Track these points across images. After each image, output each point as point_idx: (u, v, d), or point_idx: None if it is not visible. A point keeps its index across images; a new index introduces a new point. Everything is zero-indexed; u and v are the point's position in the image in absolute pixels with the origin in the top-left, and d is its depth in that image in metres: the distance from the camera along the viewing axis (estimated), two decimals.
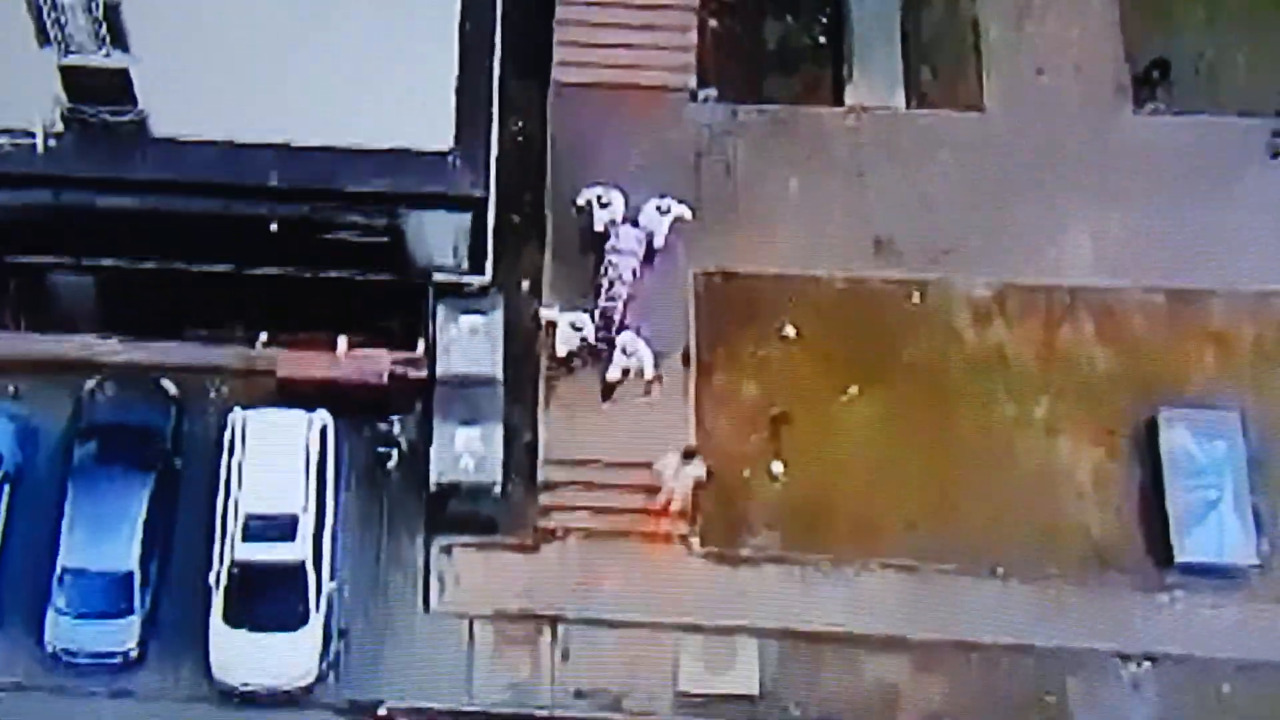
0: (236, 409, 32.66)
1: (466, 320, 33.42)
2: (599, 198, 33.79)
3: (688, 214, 33.88)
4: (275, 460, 31.89)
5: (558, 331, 32.87)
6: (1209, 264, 34.64)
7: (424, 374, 33.35)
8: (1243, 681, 32.09)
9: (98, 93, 30.95)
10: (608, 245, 33.36)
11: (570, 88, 35.78)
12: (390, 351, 33.37)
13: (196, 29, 29.80)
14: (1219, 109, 35.90)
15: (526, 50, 35.52)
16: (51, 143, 31.33)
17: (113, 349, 33.58)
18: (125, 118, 31.26)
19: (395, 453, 33.32)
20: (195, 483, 32.50)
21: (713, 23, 36.83)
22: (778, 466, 33.22)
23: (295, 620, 31.31)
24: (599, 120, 35.43)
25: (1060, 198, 35.15)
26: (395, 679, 31.91)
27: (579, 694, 31.95)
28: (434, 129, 31.70)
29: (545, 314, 33.21)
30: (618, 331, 32.96)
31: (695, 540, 32.77)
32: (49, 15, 29.57)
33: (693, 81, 36.10)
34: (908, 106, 36.15)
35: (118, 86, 30.86)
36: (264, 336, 33.89)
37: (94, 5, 29.43)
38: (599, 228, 33.80)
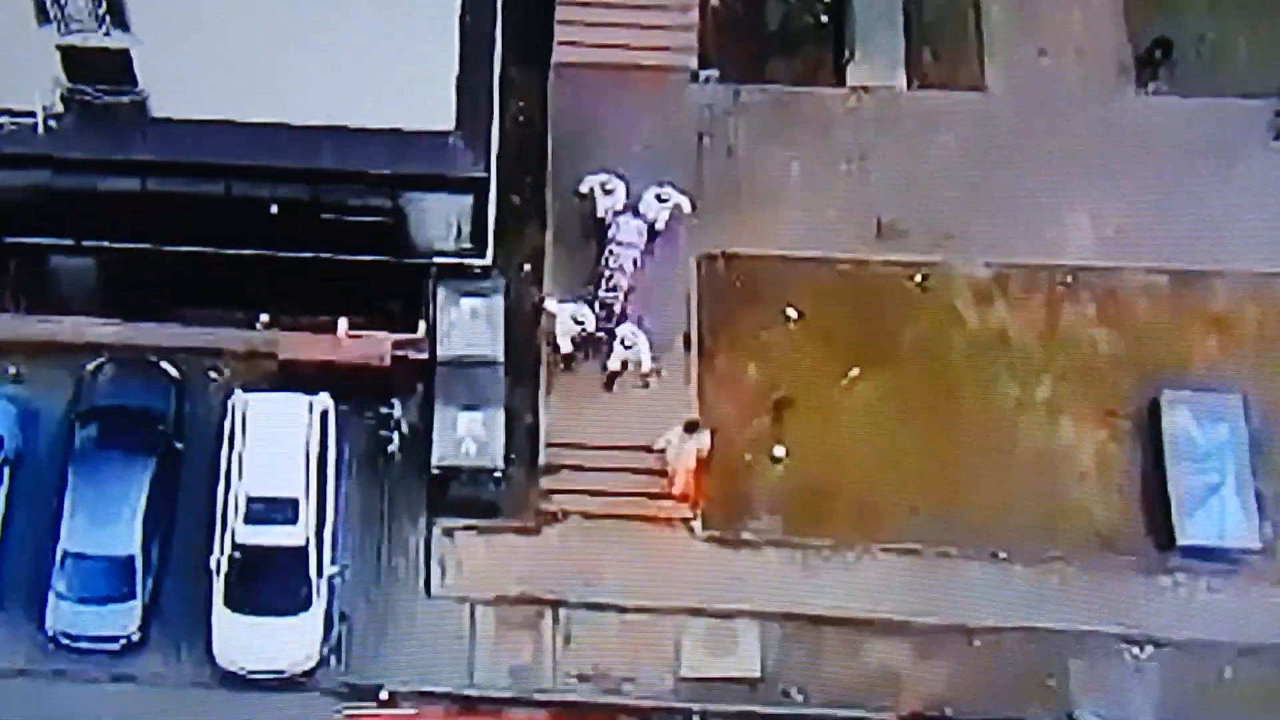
0: (237, 392, 32.37)
1: (468, 303, 33.14)
2: (602, 185, 33.46)
3: (686, 205, 33.64)
4: (276, 443, 31.59)
5: (559, 323, 32.59)
6: (1211, 245, 34.33)
7: (425, 356, 33.07)
8: (1244, 665, 31.87)
9: (97, 73, 30.68)
10: (609, 236, 33.07)
11: (571, 68, 35.41)
12: (391, 334, 33.10)
13: (196, 9, 29.51)
14: (1221, 90, 35.56)
15: (527, 31, 35.20)
16: (51, 123, 31.08)
17: (113, 331, 33.26)
18: (125, 98, 31.00)
19: (396, 436, 33.06)
20: (196, 466, 32.23)
21: (714, 2, 36.49)
22: (780, 450, 32.96)
23: (297, 604, 31.06)
24: (600, 102, 35.08)
25: (1062, 178, 34.84)
26: (397, 663, 31.67)
27: (581, 678, 31.72)
28: (435, 109, 31.44)
29: (548, 306, 32.91)
30: (618, 323, 32.70)
31: (697, 524, 32.53)
32: None
33: (694, 62, 35.75)
34: (909, 87, 35.82)
35: (118, 66, 30.58)
36: (265, 318, 33.60)
37: None
38: (600, 215, 33.45)
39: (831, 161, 35.14)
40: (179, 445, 32.39)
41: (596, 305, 32.69)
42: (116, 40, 29.95)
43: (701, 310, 33.88)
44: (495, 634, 31.87)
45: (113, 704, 31.21)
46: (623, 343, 32.31)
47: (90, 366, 32.78)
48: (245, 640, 31.00)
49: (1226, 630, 32.00)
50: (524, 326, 33.46)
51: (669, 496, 32.30)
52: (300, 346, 32.78)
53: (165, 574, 31.64)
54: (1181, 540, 32.14)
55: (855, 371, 33.54)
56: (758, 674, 31.79)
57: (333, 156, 31.48)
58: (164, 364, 32.97)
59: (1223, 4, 36.34)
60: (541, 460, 32.79)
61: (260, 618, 30.95)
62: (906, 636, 31.96)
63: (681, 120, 35.24)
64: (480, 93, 32.28)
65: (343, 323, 32.85)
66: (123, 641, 31.19)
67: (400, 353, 33.03)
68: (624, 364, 32.58)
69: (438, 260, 33.41)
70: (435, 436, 32.03)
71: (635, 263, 32.92)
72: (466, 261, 33.46)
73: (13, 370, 33.18)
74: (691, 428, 31.87)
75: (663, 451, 32.12)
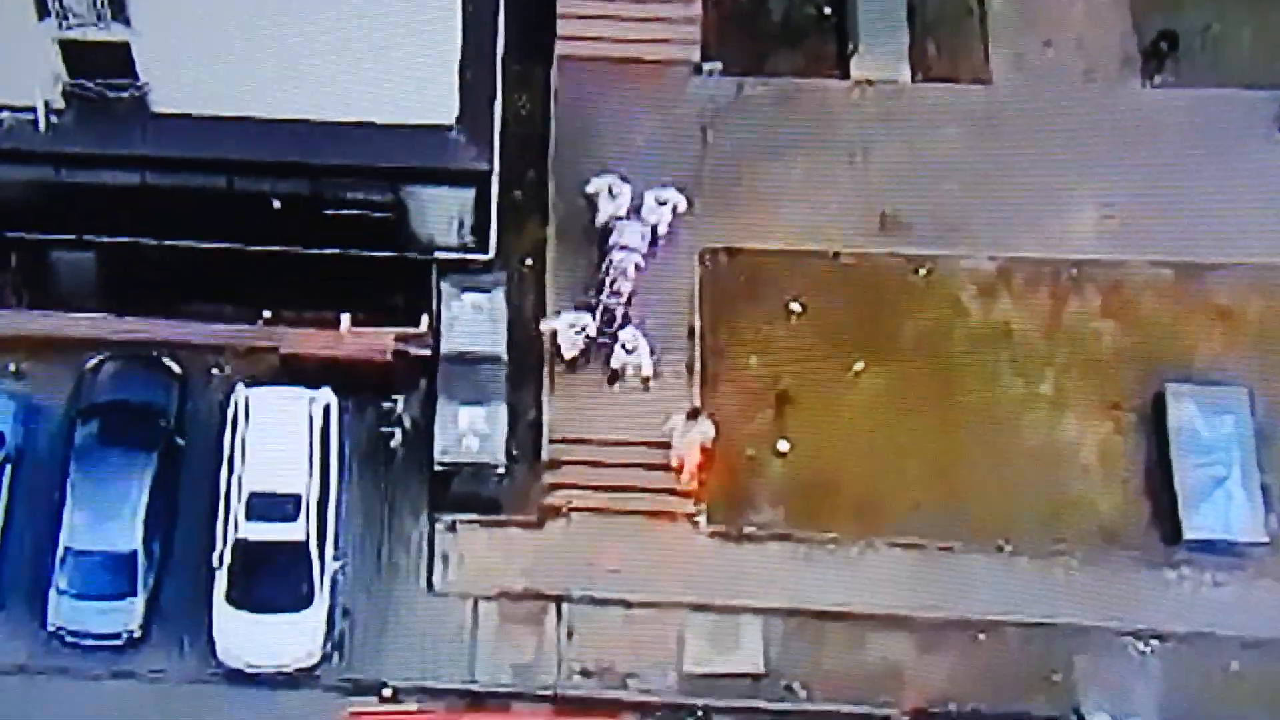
0: (239, 387, 32.05)
1: (470, 297, 32.83)
2: (609, 188, 33.15)
3: (683, 203, 33.33)
4: (278, 438, 31.28)
5: (560, 334, 32.38)
6: (1216, 237, 33.96)
7: (427, 351, 32.74)
8: (1251, 658, 31.49)
9: (98, 67, 30.39)
10: (611, 240, 32.76)
11: (573, 62, 35.10)
12: (394, 329, 32.77)
13: (198, 2, 29.12)
14: (1226, 81, 35.16)
15: (529, 25, 34.92)
16: (52, 118, 30.78)
17: (114, 327, 32.94)
18: (126, 93, 30.67)
19: (399, 431, 32.73)
20: (198, 461, 31.91)
21: None
22: (783, 444, 32.60)
23: (299, 600, 30.74)
24: (602, 95, 34.77)
25: (1067, 171, 34.45)
26: (399, 659, 31.35)
27: (584, 673, 31.39)
28: (437, 103, 31.13)
29: (546, 326, 32.65)
30: (620, 326, 32.46)
31: (700, 518, 32.20)
32: None
33: (697, 55, 35.43)
34: (913, 80, 35.47)
35: (118, 60, 30.29)
36: (267, 314, 33.25)
37: None
38: (603, 219, 33.17)
39: (835, 155, 34.77)
40: (180, 441, 32.08)
41: (599, 310, 32.42)
42: (117, 33, 29.65)
43: (704, 304, 33.55)
44: (498, 629, 31.56)
45: (114, 700, 30.91)
46: (624, 347, 32.16)
47: (91, 362, 32.49)
48: (247, 636, 30.68)
49: (1233, 624, 31.63)
50: (526, 321, 33.11)
51: (675, 489, 31.99)
52: (302, 341, 32.51)
53: (167, 570, 31.35)
54: (1187, 534, 31.75)
55: (859, 365, 33.17)
56: (761, 669, 31.44)
57: (335, 151, 31.19)
58: (165, 360, 32.67)
59: None
60: (544, 455, 32.46)
61: (262, 614, 30.64)
62: (910, 631, 31.62)
63: (684, 114, 34.90)
64: (482, 87, 32.04)
65: (345, 318, 32.59)
66: (124, 638, 30.86)
67: (402, 348, 32.74)
68: (625, 367, 32.32)
69: (440, 255, 33.09)
70: (437, 431, 31.70)
71: (637, 267, 32.60)
72: (469, 256, 33.14)
73: (13, 366, 32.88)
74: (694, 414, 31.68)
75: (669, 438, 31.80)
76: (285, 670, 30.81)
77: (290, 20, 29.46)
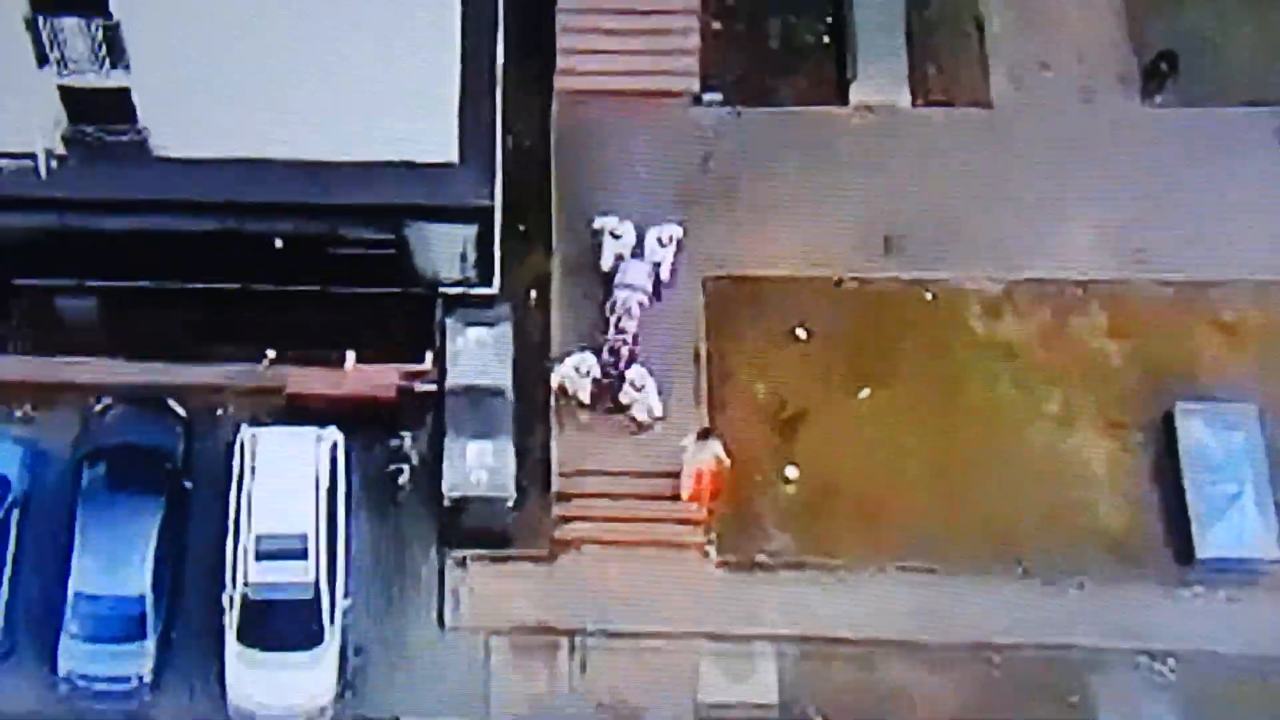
0: (245, 427, 31.72)
1: (474, 332, 32.54)
2: (611, 230, 32.91)
3: (679, 232, 33.03)
4: (286, 479, 30.92)
5: (567, 381, 32.12)
6: (1220, 254, 33.60)
7: (433, 387, 32.41)
8: (1268, 675, 30.96)
9: (98, 112, 30.24)
10: (616, 280, 32.50)
11: (573, 95, 34.86)
12: (399, 365, 32.48)
13: (196, 46, 29.00)
14: (1226, 98, 34.78)
15: (528, 58, 34.72)
16: (53, 164, 30.61)
17: (119, 370, 32.58)
18: (126, 137, 30.50)
19: (407, 468, 32.37)
20: (206, 503, 31.56)
21: (715, 24, 35.82)
22: (792, 471, 32.22)
23: (310, 640, 30.33)
24: (603, 127, 34.56)
25: (1070, 191, 34.13)
26: (413, 696, 30.94)
27: (599, 706, 30.98)
28: (438, 140, 30.94)
29: (554, 379, 32.30)
30: (627, 365, 32.13)
31: (711, 548, 31.79)
32: (47, 35, 28.82)
33: (696, 85, 35.12)
34: (914, 104, 35.12)
35: (118, 106, 30.14)
36: (272, 353, 32.86)
37: (93, 25, 28.65)
38: (608, 260, 32.86)
39: (837, 180, 34.44)
40: (188, 484, 31.77)
41: (605, 350, 32.07)
42: (116, 79, 29.48)
43: (710, 331, 33.19)
44: (511, 664, 31.17)
45: None
46: (633, 384, 31.89)
47: (97, 406, 32.20)
48: (259, 677, 30.25)
49: (1250, 642, 31.17)
50: (532, 354, 32.79)
51: (685, 518, 31.61)
52: (307, 380, 32.23)
53: (177, 613, 31.00)
54: (1201, 552, 31.30)
55: (866, 392, 32.79)
56: (776, 699, 30.99)
57: (337, 190, 30.97)
58: (171, 402, 32.34)
59: (1225, 11, 35.57)
60: (554, 488, 32.11)
61: (273, 654, 30.21)
62: (925, 656, 31.16)
63: (685, 143, 34.62)
64: (483, 122, 31.82)
65: (350, 355, 32.30)
66: (135, 682, 30.43)
67: (408, 384, 32.46)
68: (633, 404, 32.08)
69: (444, 290, 32.83)
70: (445, 467, 31.34)
71: (641, 305, 32.30)
72: (473, 291, 32.89)
73: (19, 412, 32.57)
74: (705, 434, 31.45)
75: (680, 460, 31.56)
76: (298, 711, 30.39)
77: (288, 61, 29.28)
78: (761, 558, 31.73)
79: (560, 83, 34.94)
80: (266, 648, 30.21)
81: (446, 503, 31.30)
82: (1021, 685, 30.94)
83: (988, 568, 31.56)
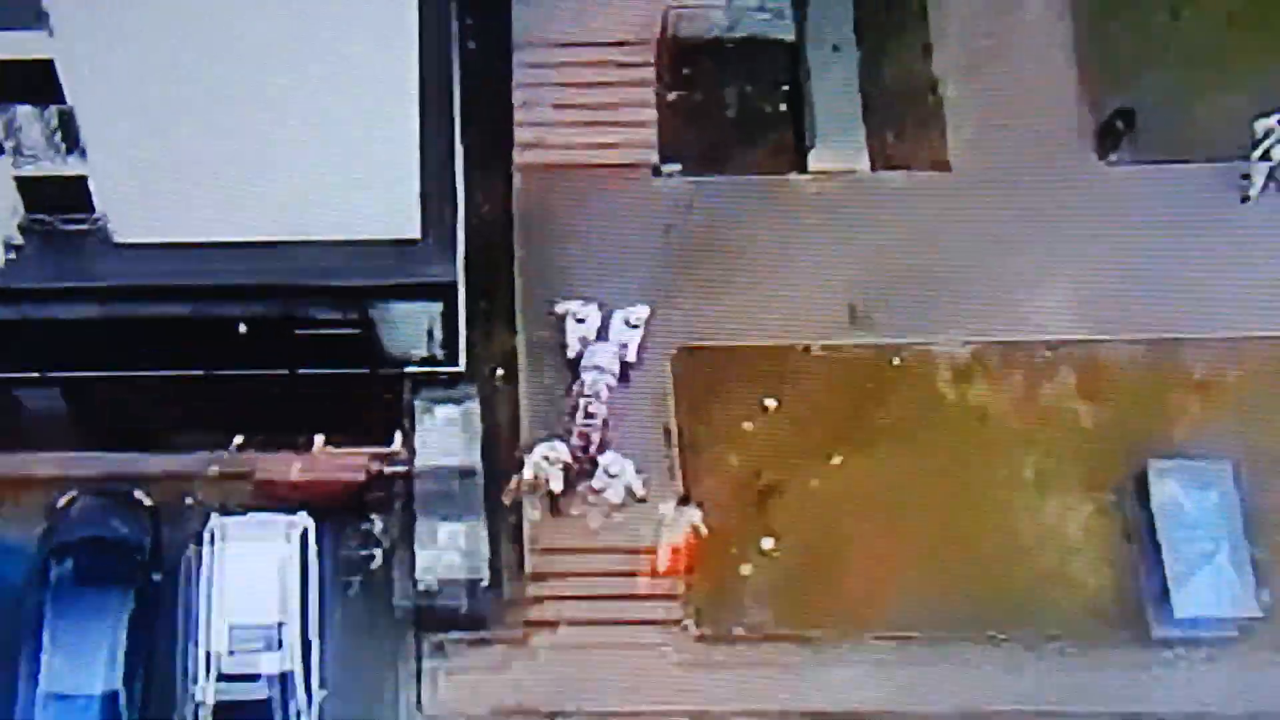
0: (214, 516, 30.87)
1: (443, 411, 31.94)
2: (575, 315, 32.18)
3: (647, 313, 32.39)
4: (256, 568, 30.11)
5: (538, 470, 31.25)
6: (1188, 311, 33.19)
7: (403, 468, 31.64)
8: None
9: (55, 200, 29.47)
10: (582, 363, 31.79)
11: (533, 169, 34.34)
12: (368, 448, 31.74)
13: (153, 131, 28.30)
14: (1185, 155, 34.39)
15: (490, 133, 34.17)
16: (11, 254, 29.68)
17: (84, 462, 31.73)
18: (85, 225, 29.71)
19: (379, 552, 31.55)
20: (176, 595, 30.68)
21: (672, 96, 35.29)
22: (768, 542, 31.57)
23: None
24: (564, 201, 34.04)
25: (1033, 252, 33.72)
26: None
27: None
28: (400, 218, 30.33)
29: (527, 469, 31.35)
30: (599, 451, 31.39)
31: (690, 622, 31.07)
32: (2, 124, 28.10)
33: (655, 157, 34.59)
34: (873, 169, 34.61)
35: (75, 193, 29.38)
36: (239, 439, 32.03)
37: (47, 112, 27.85)
38: (573, 344, 32.16)
39: (800, 247, 33.92)
40: (157, 576, 30.86)
41: (575, 435, 31.32)
42: (73, 167, 28.66)
43: (680, 404, 32.55)
44: None
45: None
46: (607, 472, 31.17)
47: (63, 500, 31.29)
48: None
49: (1230, 701, 30.67)
50: (502, 431, 32.10)
51: (664, 594, 30.96)
52: (276, 466, 31.47)
53: (149, 709, 30.02)
54: (1179, 612, 30.76)
55: (838, 459, 32.17)
56: None
57: (300, 271, 30.31)
58: (138, 493, 31.48)
59: (1180, 68, 35.20)
60: (528, 567, 31.33)
61: None
62: None
63: (647, 215, 34.06)
64: (445, 199, 31.26)
65: (318, 439, 31.53)
66: None
67: (378, 466, 31.75)
68: (606, 489, 31.36)
69: (411, 370, 32.13)
70: (417, 550, 30.70)
71: (609, 387, 31.59)
72: (440, 369, 32.21)
73: None
74: (683, 502, 30.94)
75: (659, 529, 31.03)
76: None
77: (247, 144, 28.64)
78: (740, 631, 31.05)
79: (520, 157, 34.38)
80: None
81: (420, 587, 30.55)
82: None
83: (967, 635, 30.95)
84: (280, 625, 29.68)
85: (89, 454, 31.67)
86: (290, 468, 31.31)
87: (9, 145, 28.22)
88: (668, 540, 30.93)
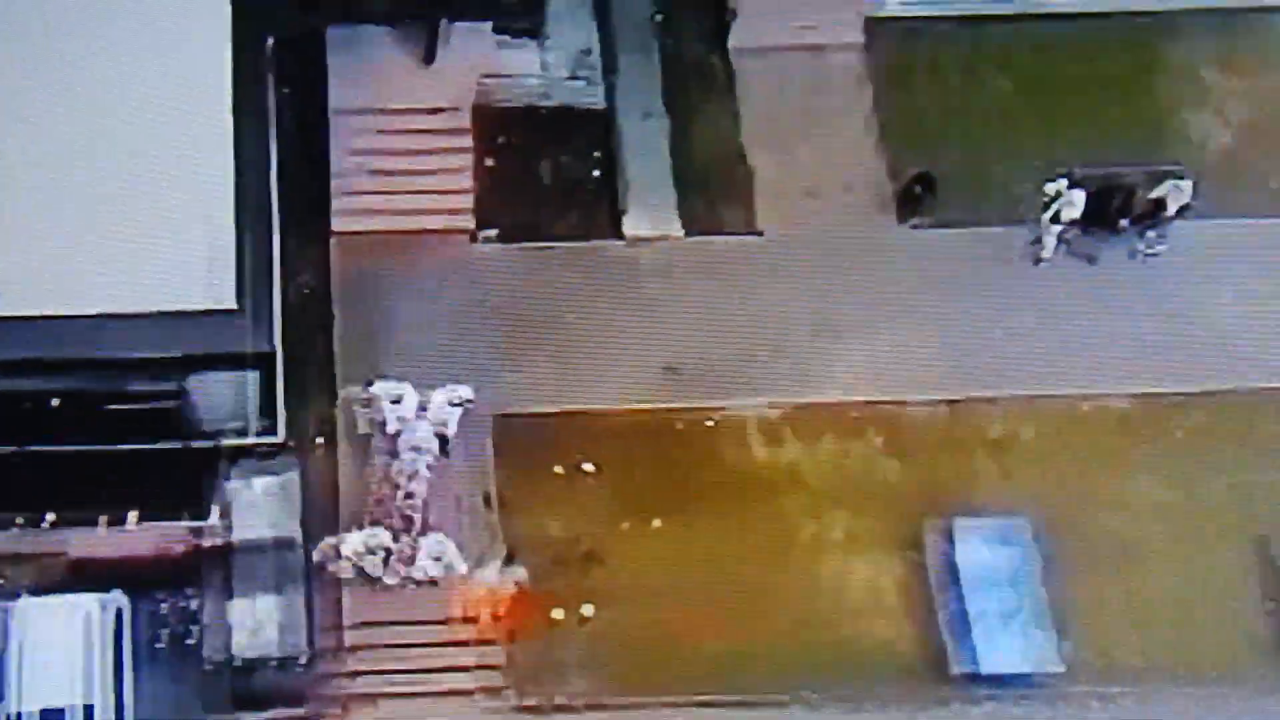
0: (23, 597, 29.35)
1: (260, 482, 30.95)
2: (391, 397, 31.18)
3: (469, 392, 31.54)
4: (65, 649, 28.70)
5: (355, 558, 30.20)
6: (987, 371, 33.17)
7: (221, 541, 30.46)
8: None
9: None
10: (400, 443, 30.85)
11: (351, 237, 33.43)
12: (185, 522, 30.50)
13: None
14: (983, 218, 34.48)
15: (305, 202, 33.18)
16: None
17: None
18: None
19: (197, 628, 30.23)
20: None
21: (488, 162, 34.62)
22: (588, 609, 30.91)
23: None
24: (381, 269, 33.23)
25: (840, 316, 33.58)
26: None
27: None
28: (216, 287, 29.60)
29: (343, 561, 30.21)
30: (421, 533, 30.43)
31: (511, 692, 30.27)
32: None
33: (472, 223, 33.88)
34: (686, 234, 34.26)
35: None
36: (51, 517, 30.53)
37: None
38: (391, 424, 31.11)
39: (615, 312, 33.47)
40: None
41: (397, 516, 30.38)
42: None
43: (499, 471, 31.83)
44: None
45: None
46: (431, 556, 30.22)
47: None
48: None
49: None
50: (321, 503, 31.08)
51: (483, 664, 30.10)
52: (90, 543, 30.10)
53: None
54: (985, 669, 30.64)
55: (657, 522, 31.69)
56: None
57: (113, 344, 29.25)
58: None
59: (976, 133, 35.39)
60: (346, 641, 30.26)
61: None
62: None
63: (464, 282, 33.39)
64: (261, 268, 30.58)
65: (132, 515, 30.28)
66: None
67: (195, 540, 30.52)
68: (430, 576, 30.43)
69: (228, 442, 31.01)
70: (234, 625, 29.59)
71: (429, 466, 30.73)
72: (258, 440, 31.15)
73: None
74: (509, 559, 30.51)
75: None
76: None
77: (58, 214, 27.93)
78: (561, 700, 30.34)
79: (337, 225, 33.45)
80: None
81: (238, 663, 29.44)
82: None
83: (781, 695, 30.50)
84: (89, 708, 28.31)
85: None
86: (104, 544, 29.98)
87: None
88: (490, 600, 30.24)
